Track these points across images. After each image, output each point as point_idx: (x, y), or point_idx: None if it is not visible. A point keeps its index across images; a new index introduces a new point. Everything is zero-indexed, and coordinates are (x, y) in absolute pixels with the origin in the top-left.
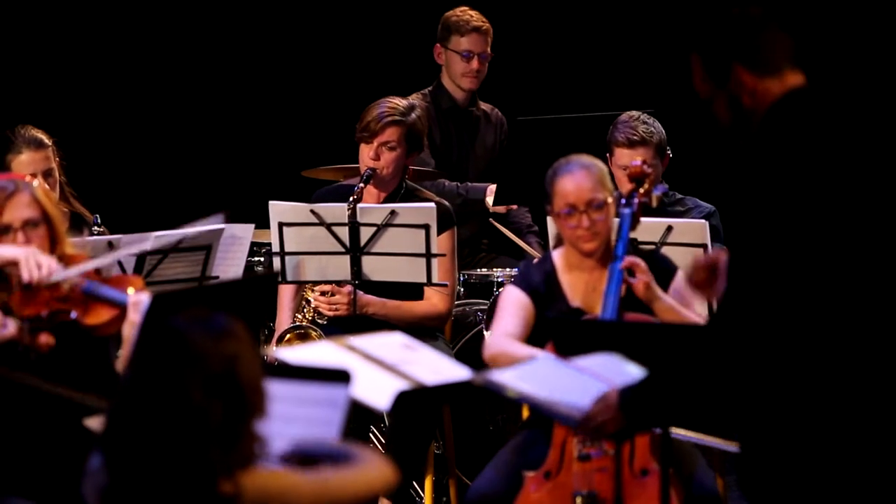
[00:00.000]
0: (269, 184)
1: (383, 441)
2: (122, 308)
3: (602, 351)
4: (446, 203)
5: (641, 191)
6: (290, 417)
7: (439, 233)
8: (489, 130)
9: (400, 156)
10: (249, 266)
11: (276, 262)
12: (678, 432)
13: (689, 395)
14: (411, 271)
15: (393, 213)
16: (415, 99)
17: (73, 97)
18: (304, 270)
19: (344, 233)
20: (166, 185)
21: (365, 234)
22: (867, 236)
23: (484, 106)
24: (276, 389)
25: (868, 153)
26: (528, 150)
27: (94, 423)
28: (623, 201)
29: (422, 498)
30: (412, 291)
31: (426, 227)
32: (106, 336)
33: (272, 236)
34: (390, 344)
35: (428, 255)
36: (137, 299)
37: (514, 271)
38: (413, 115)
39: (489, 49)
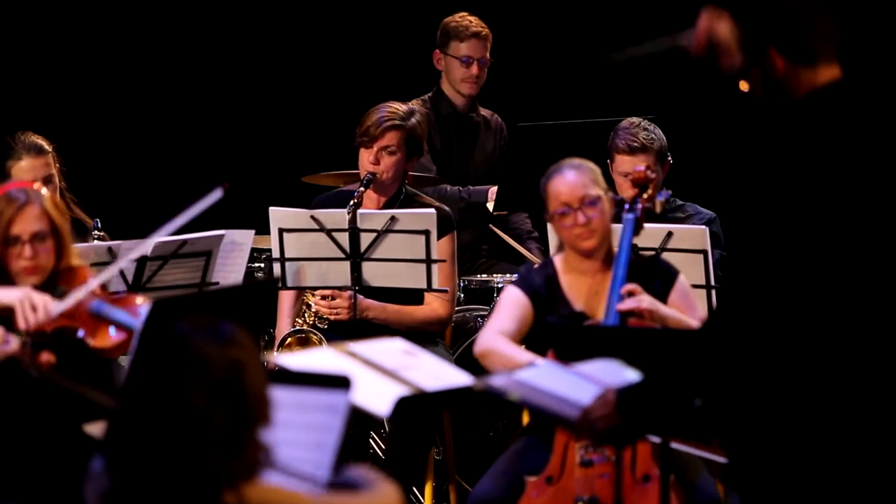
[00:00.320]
0: (269, 190)
1: (383, 447)
2: (130, 332)
3: (604, 357)
4: (446, 208)
5: (645, 196)
6: (290, 423)
7: (439, 238)
8: (489, 136)
9: (400, 160)
10: (249, 272)
11: (277, 268)
12: (678, 444)
13: (687, 397)
14: (411, 277)
15: (393, 218)
16: (415, 105)
17: (73, 103)
18: (304, 276)
19: (344, 239)
20: (166, 190)
21: (365, 239)
22: (869, 240)
23: (484, 112)
24: (276, 395)
25: (880, 158)
26: (529, 156)
27: (95, 428)
28: (626, 206)
29: None
30: (412, 297)
31: (426, 233)
32: (111, 358)
33: (272, 242)
34: (390, 350)
35: (428, 261)
36: None
37: (514, 277)
38: (413, 120)
39: (488, 54)
